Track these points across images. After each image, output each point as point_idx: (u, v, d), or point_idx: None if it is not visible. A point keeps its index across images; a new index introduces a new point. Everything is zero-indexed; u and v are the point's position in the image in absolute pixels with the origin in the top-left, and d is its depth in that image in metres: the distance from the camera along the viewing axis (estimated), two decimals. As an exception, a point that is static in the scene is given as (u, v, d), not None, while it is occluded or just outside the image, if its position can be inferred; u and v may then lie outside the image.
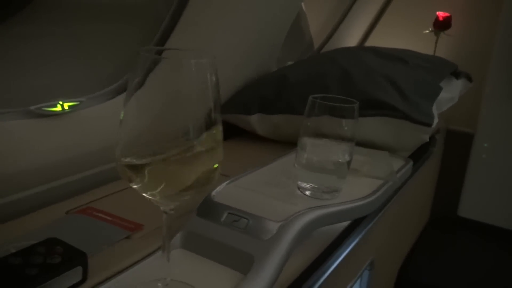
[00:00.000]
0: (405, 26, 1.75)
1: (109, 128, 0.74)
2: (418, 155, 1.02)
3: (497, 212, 1.57)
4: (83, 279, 0.47)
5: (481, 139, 1.58)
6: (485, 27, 1.60)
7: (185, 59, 0.38)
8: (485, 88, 1.55)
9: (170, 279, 0.46)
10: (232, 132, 1.04)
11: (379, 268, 0.97)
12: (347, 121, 0.62)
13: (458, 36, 1.61)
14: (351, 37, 1.79)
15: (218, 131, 0.40)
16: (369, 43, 1.86)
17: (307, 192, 0.64)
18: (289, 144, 0.81)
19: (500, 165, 1.56)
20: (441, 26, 1.60)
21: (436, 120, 0.90)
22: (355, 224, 0.74)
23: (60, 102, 0.69)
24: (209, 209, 0.57)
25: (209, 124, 0.39)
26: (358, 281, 0.86)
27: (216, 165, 0.41)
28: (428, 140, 0.87)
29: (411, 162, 0.86)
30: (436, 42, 1.60)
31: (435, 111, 0.93)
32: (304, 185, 0.65)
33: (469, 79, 1.29)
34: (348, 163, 0.64)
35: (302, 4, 1.49)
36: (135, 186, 0.40)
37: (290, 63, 1.25)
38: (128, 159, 0.38)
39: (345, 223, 0.72)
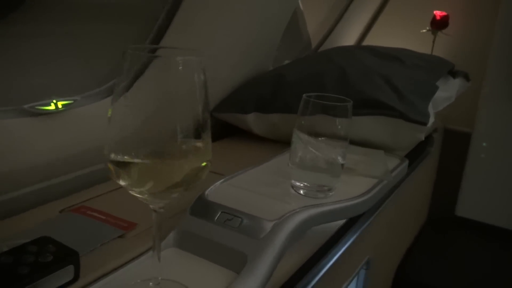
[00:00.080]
0: (402, 25, 1.75)
1: (103, 127, 0.74)
2: (416, 155, 1.02)
3: (495, 212, 1.57)
4: (75, 278, 0.47)
5: (479, 138, 1.58)
6: (483, 26, 1.60)
7: (172, 57, 0.38)
8: (483, 87, 1.54)
9: (161, 279, 0.46)
10: (229, 131, 1.04)
11: (376, 268, 0.96)
12: (341, 120, 0.62)
13: (455, 36, 1.61)
14: (348, 36, 1.79)
15: (206, 129, 0.40)
16: (367, 42, 1.86)
17: (301, 191, 0.64)
18: (285, 143, 0.81)
19: (498, 164, 1.55)
20: (438, 25, 1.60)
21: (432, 119, 0.90)
22: (351, 223, 0.74)
23: (54, 101, 0.68)
24: (202, 208, 0.57)
25: (197, 123, 0.39)
26: (355, 280, 0.86)
27: (204, 163, 0.41)
28: (423, 139, 0.87)
29: (407, 161, 0.86)
30: (433, 41, 1.60)
31: (431, 110, 0.93)
32: (298, 184, 0.65)
33: (467, 78, 1.28)
34: (342, 162, 0.64)
35: (300, 3, 1.49)
36: (123, 183, 0.40)
37: (287, 62, 1.25)
38: (115, 156, 0.38)
39: (341, 222, 0.71)
